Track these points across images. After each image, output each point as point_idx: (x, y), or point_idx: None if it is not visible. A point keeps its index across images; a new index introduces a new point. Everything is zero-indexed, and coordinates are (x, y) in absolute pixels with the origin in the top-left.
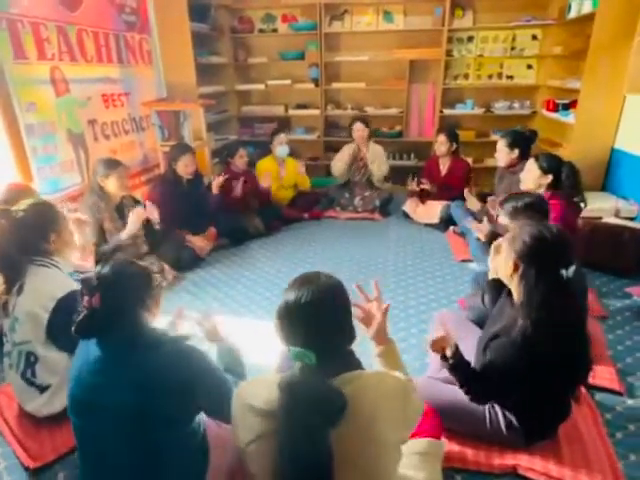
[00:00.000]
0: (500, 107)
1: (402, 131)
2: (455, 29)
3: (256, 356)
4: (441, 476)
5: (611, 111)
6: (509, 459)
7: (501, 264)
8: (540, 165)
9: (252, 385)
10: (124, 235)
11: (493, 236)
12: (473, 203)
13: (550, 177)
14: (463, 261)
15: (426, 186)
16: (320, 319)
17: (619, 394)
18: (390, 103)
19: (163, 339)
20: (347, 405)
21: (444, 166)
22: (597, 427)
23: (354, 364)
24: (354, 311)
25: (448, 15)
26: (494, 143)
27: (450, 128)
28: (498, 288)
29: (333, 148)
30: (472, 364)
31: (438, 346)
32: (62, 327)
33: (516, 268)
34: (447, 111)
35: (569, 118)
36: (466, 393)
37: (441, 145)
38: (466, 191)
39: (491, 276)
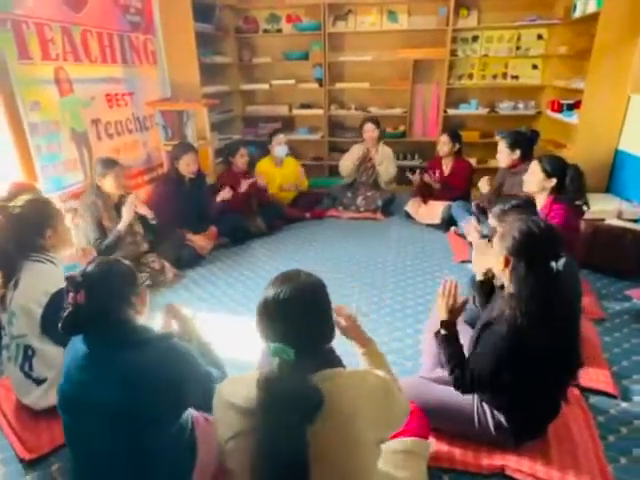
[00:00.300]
0: (505, 107)
1: (406, 131)
2: (460, 29)
3: (252, 354)
4: (426, 476)
5: (615, 112)
6: (497, 459)
7: (493, 260)
8: (544, 168)
9: (232, 383)
10: (121, 226)
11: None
12: (484, 185)
13: (554, 180)
14: (463, 262)
15: (429, 180)
16: (298, 316)
17: (613, 397)
18: (394, 103)
19: (148, 337)
20: (324, 402)
21: (447, 166)
22: (589, 429)
23: (334, 362)
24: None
25: (452, 15)
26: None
27: (453, 128)
28: (486, 289)
29: (337, 148)
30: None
31: (445, 305)
32: (55, 322)
33: (507, 263)
34: (451, 111)
35: (573, 119)
36: (450, 373)
37: (443, 145)
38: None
39: (478, 277)
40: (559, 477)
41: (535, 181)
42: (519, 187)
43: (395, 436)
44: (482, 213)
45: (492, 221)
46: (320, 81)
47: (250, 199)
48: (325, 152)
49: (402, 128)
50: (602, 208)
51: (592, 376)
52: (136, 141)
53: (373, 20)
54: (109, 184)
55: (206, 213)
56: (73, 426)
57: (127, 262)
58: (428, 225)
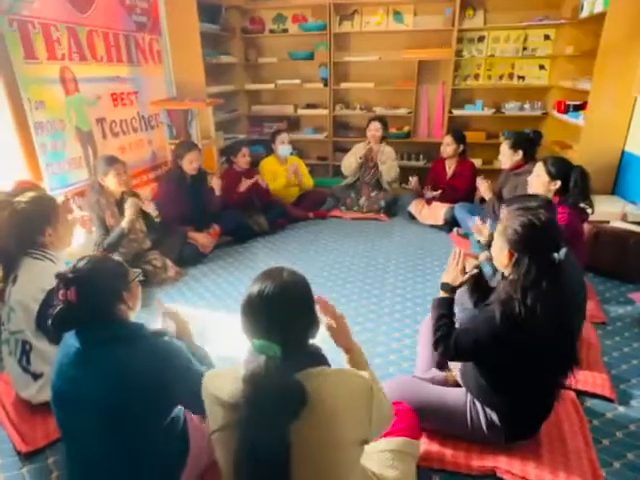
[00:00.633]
0: (511, 108)
1: (411, 132)
2: (466, 29)
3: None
4: (415, 476)
5: (621, 113)
6: (489, 461)
7: (495, 254)
8: (548, 170)
9: (218, 376)
10: (124, 223)
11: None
12: (486, 191)
13: (559, 183)
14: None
15: (431, 194)
16: (282, 311)
17: (610, 401)
18: (399, 103)
19: (139, 333)
20: (308, 400)
21: (450, 168)
22: (583, 432)
23: (319, 359)
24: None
25: (458, 15)
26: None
27: (457, 129)
28: (479, 292)
29: (341, 148)
30: None
31: (453, 268)
32: (48, 319)
33: (511, 257)
34: (456, 112)
35: (579, 120)
36: (434, 332)
37: (447, 146)
38: (479, 180)
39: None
40: (550, 479)
41: (539, 183)
42: (522, 189)
43: (384, 436)
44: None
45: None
46: (325, 81)
47: (252, 198)
48: (330, 152)
49: (407, 129)
50: (607, 210)
51: (589, 379)
52: (141, 140)
53: (379, 20)
54: (111, 181)
55: (208, 210)
56: (65, 421)
57: (118, 258)
58: (431, 226)
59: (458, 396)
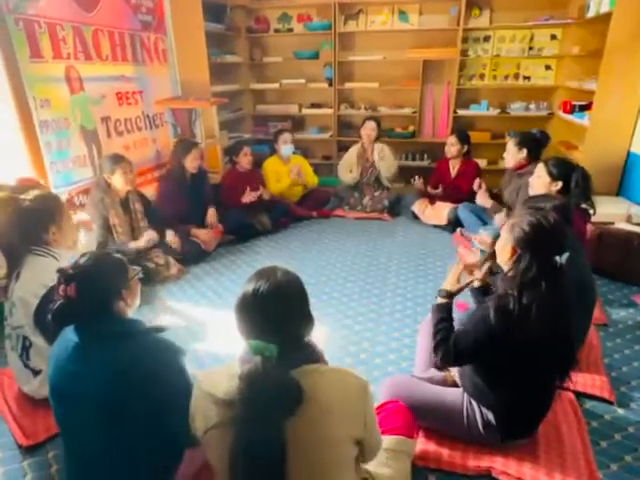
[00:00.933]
0: (516, 108)
1: (415, 131)
2: (471, 28)
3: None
4: (410, 475)
5: (627, 113)
6: (485, 461)
7: (499, 248)
8: (549, 171)
9: (213, 374)
10: (132, 245)
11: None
12: (484, 199)
13: (560, 184)
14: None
15: (435, 191)
16: (277, 310)
17: (609, 403)
18: (404, 103)
19: (137, 330)
20: (303, 397)
21: (454, 168)
22: (581, 434)
23: (315, 357)
24: None
25: (464, 14)
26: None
27: (461, 129)
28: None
29: (346, 147)
30: None
31: (468, 268)
32: (46, 315)
33: (513, 253)
34: (461, 112)
35: (584, 120)
36: (434, 337)
37: (451, 146)
38: (476, 185)
39: (476, 284)
40: None
41: (540, 184)
42: (524, 190)
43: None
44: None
45: None
46: (330, 80)
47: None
48: (334, 151)
49: (412, 128)
50: (611, 212)
51: (589, 381)
52: (145, 138)
53: (384, 20)
54: (117, 180)
55: (208, 207)
56: (63, 416)
57: (119, 255)
58: (435, 226)
59: (455, 396)
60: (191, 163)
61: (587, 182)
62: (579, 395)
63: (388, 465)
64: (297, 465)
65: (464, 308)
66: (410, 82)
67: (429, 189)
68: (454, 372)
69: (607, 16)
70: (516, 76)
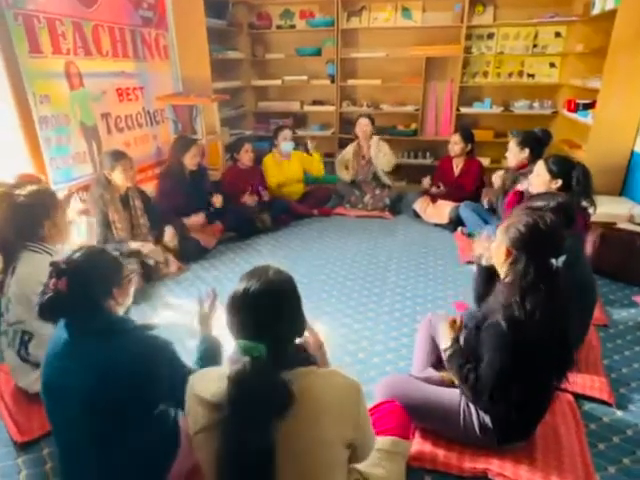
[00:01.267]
0: (520, 106)
1: (418, 129)
2: (475, 25)
3: None
4: (404, 475)
5: (631, 112)
6: (481, 462)
7: (494, 250)
8: (549, 168)
9: (203, 377)
10: (133, 246)
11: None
12: (497, 180)
13: (560, 182)
14: (468, 263)
15: (438, 189)
16: (267, 310)
17: (608, 405)
18: (406, 101)
19: (126, 327)
20: (294, 400)
21: (457, 166)
22: (579, 436)
23: (306, 359)
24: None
25: (468, 11)
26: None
27: (465, 128)
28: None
29: (347, 145)
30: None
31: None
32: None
33: (508, 255)
34: (464, 109)
35: (588, 119)
36: (464, 381)
37: (455, 145)
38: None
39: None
40: None
41: (541, 182)
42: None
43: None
44: (493, 212)
45: None
46: (332, 77)
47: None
48: (336, 149)
49: (414, 126)
50: (614, 212)
51: (588, 382)
52: (146, 135)
53: (387, 16)
54: (118, 176)
55: (208, 204)
56: (53, 412)
57: (114, 253)
58: (436, 225)
59: (452, 397)
60: (190, 160)
61: (588, 180)
62: (578, 397)
63: (382, 466)
64: (286, 468)
65: (463, 308)
66: (413, 79)
67: (432, 188)
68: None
69: (612, 13)
70: (520, 74)
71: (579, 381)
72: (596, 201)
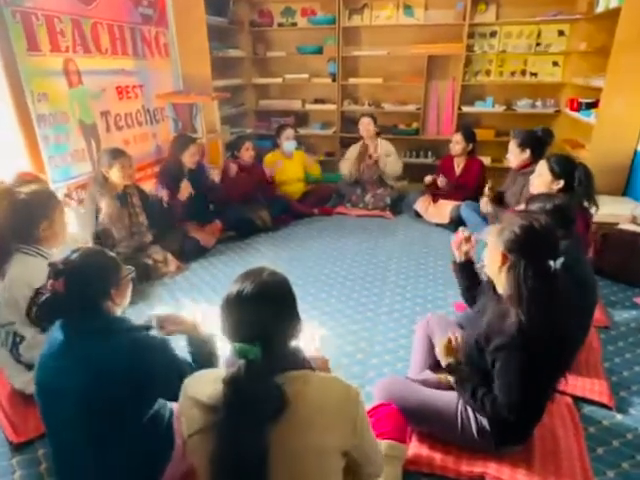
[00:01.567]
0: (522, 105)
1: (419, 128)
2: (477, 24)
3: None
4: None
5: (635, 112)
6: (478, 466)
7: (488, 257)
8: (551, 168)
9: (198, 379)
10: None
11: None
12: (485, 206)
13: (562, 182)
14: None
15: (443, 184)
16: (262, 312)
17: (608, 408)
18: (408, 99)
19: (123, 327)
20: (288, 405)
21: (458, 166)
22: (578, 440)
23: (301, 363)
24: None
25: (470, 9)
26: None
27: (466, 127)
28: (468, 273)
29: (349, 144)
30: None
31: (449, 351)
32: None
33: (504, 261)
34: (466, 108)
35: (590, 118)
36: (481, 408)
37: (456, 144)
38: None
39: (458, 259)
40: None
41: (543, 182)
42: (528, 189)
43: None
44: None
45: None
46: (334, 76)
47: (256, 192)
48: (337, 148)
49: (415, 125)
50: (616, 212)
51: (588, 385)
52: (146, 133)
53: (389, 14)
54: (115, 174)
55: (208, 203)
56: (47, 413)
57: (112, 254)
58: (437, 225)
59: (450, 400)
60: (189, 159)
61: (590, 180)
62: (577, 399)
63: None
64: (280, 472)
65: (462, 308)
66: (414, 78)
67: (440, 178)
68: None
69: (616, 11)
70: (523, 72)
71: (579, 384)
72: (598, 201)
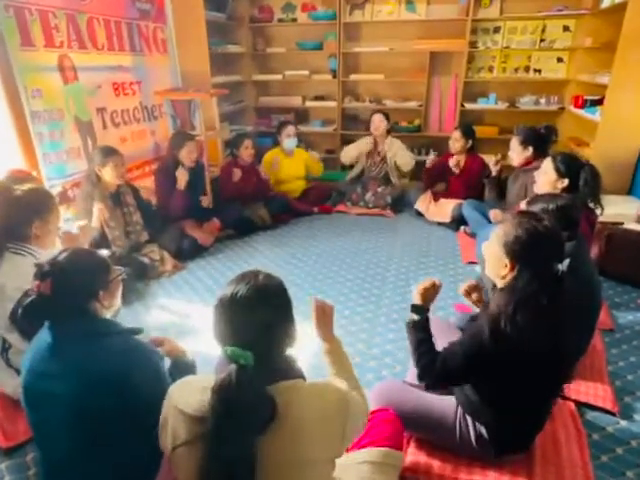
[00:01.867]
0: (525, 102)
1: (421, 125)
2: (480, 19)
3: None
4: None
5: None
6: (476, 474)
7: (490, 261)
8: (556, 167)
9: (184, 386)
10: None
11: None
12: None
13: (566, 182)
14: (470, 263)
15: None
16: (255, 316)
17: (612, 414)
18: (409, 96)
19: (112, 331)
20: (277, 415)
21: (458, 164)
22: (580, 447)
23: (294, 372)
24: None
25: (473, 4)
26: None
27: (465, 124)
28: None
29: (350, 141)
30: None
31: (425, 292)
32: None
33: (512, 269)
34: (469, 105)
35: (595, 115)
36: (416, 363)
37: (456, 142)
38: (492, 164)
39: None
40: None
41: (546, 181)
42: (531, 187)
43: (365, 446)
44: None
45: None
46: (334, 72)
47: (255, 190)
48: (338, 145)
49: (417, 122)
50: (621, 211)
51: (591, 390)
52: (143, 130)
53: (390, 9)
54: (109, 173)
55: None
56: (34, 418)
57: (102, 254)
58: (439, 223)
59: (448, 405)
60: (186, 156)
61: (597, 181)
62: (580, 405)
63: (373, 479)
64: None
65: (463, 309)
66: (416, 74)
67: (453, 158)
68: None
69: (622, 6)
70: (526, 69)
71: (582, 388)
72: (603, 201)
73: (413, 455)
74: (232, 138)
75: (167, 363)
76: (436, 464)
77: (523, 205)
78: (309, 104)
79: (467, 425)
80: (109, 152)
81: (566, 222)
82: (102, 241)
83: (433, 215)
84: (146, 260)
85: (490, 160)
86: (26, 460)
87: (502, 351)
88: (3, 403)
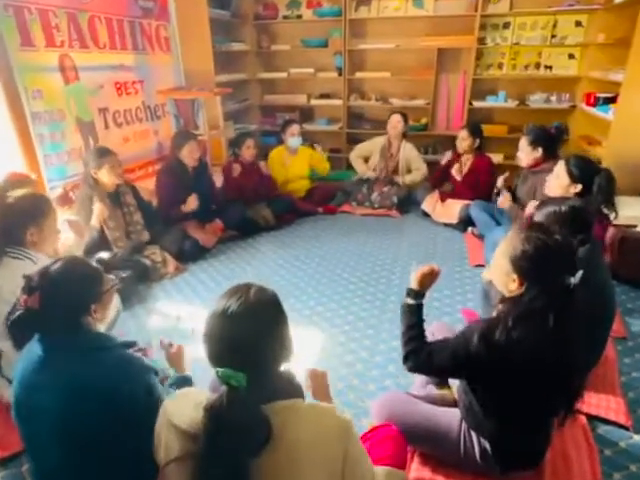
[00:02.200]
0: (535, 100)
1: (428, 124)
2: (490, 14)
3: None
4: None
5: None
6: None
7: (499, 275)
8: (569, 171)
9: (179, 403)
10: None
11: None
12: (504, 202)
13: (579, 187)
14: (477, 266)
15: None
16: (247, 333)
17: (625, 428)
18: (417, 94)
19: (105, 345)
20: (273, 437)
21: (466, 164)
22: (592, 464)
23: (293, 389)
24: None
25: None
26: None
27: (473, 123)
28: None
29: (356, 140)
30: None
31: (423, 278)
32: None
33: (520, 286)
34: (477, 103)
35: (608, 114)
36: (404, 344)
37: (463, 141)
38: (500, 182)
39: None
40: None
41: (557, 185)
42: (541, 189)
43: None
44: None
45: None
46: (340, 70)
47: (257, 190)
48: (344, 144)
49: (424, 120)
50: (634, 214)
51: (603, 403)
52: (146, 130)
53: (397, 5)
54: (105, 175)
55: (211, 201)
56: (25, 431)
57: (96, 265)
58: (445, 225)
59: (452, 420)
60: (188, 155)
61: (611, 187)
62: (591, 418)
63: None
64: None
65: (470, 315)
66: (424, 72)
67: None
68: (454, 389)
69: (638, 0)
70: (537, 66)
71: (593, 401)
72: (617, 205)
73: (417, 471)
74: (234, 138)
75: (171, 372)
76: None
77: (532, 206)
78: (314, 102)
79: (471, 440)
80: (103, 153)
81: (579, 225)
82: (102, 242)
83: (440, 216)
84: (148, 262)
85: (499, 177)
86: (22, 471)
87: (494, 359)
88: (1, 413)
